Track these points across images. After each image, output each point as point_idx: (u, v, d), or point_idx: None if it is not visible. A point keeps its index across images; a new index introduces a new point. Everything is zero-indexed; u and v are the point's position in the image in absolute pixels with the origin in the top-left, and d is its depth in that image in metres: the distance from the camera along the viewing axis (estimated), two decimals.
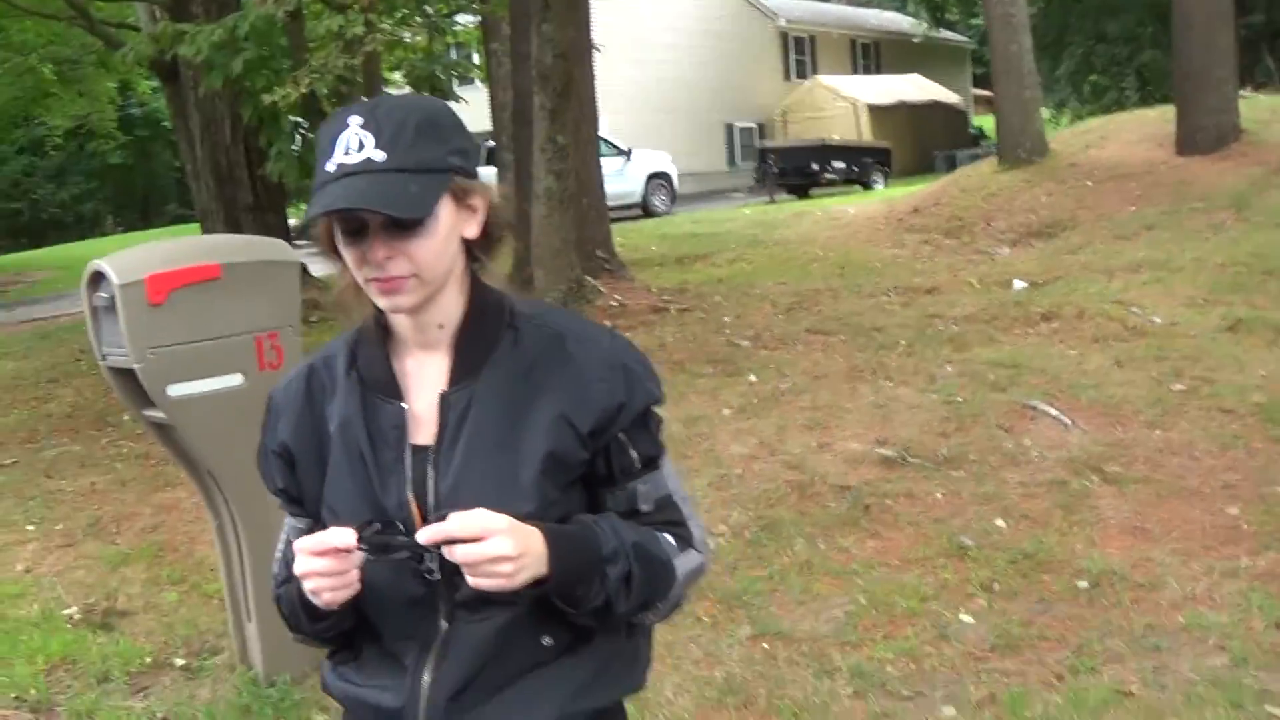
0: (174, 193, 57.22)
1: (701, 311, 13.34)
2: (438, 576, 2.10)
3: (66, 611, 6.84)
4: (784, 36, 49.83)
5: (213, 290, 5.27)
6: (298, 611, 2.26)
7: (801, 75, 49.18)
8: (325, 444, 2.26)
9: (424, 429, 2.19)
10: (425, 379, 2.23)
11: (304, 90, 13.14)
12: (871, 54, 53.72)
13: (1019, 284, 13.41)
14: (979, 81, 53.81)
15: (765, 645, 5.60)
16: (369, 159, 2.06)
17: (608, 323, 12.54)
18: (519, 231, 15.19)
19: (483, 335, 2.22)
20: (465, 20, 21.45)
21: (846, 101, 44.38)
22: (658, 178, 33.27)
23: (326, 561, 2.04)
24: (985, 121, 44.85)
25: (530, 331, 2.23)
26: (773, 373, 10.24)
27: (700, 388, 10.02)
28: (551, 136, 13.06)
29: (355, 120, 2.10)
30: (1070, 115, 42.27)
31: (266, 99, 13.28)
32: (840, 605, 5.93)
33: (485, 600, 2.07)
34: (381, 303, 2.14)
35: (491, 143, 19.43)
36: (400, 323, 2.23)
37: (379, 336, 2.26)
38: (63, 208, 56.47)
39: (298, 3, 13.67)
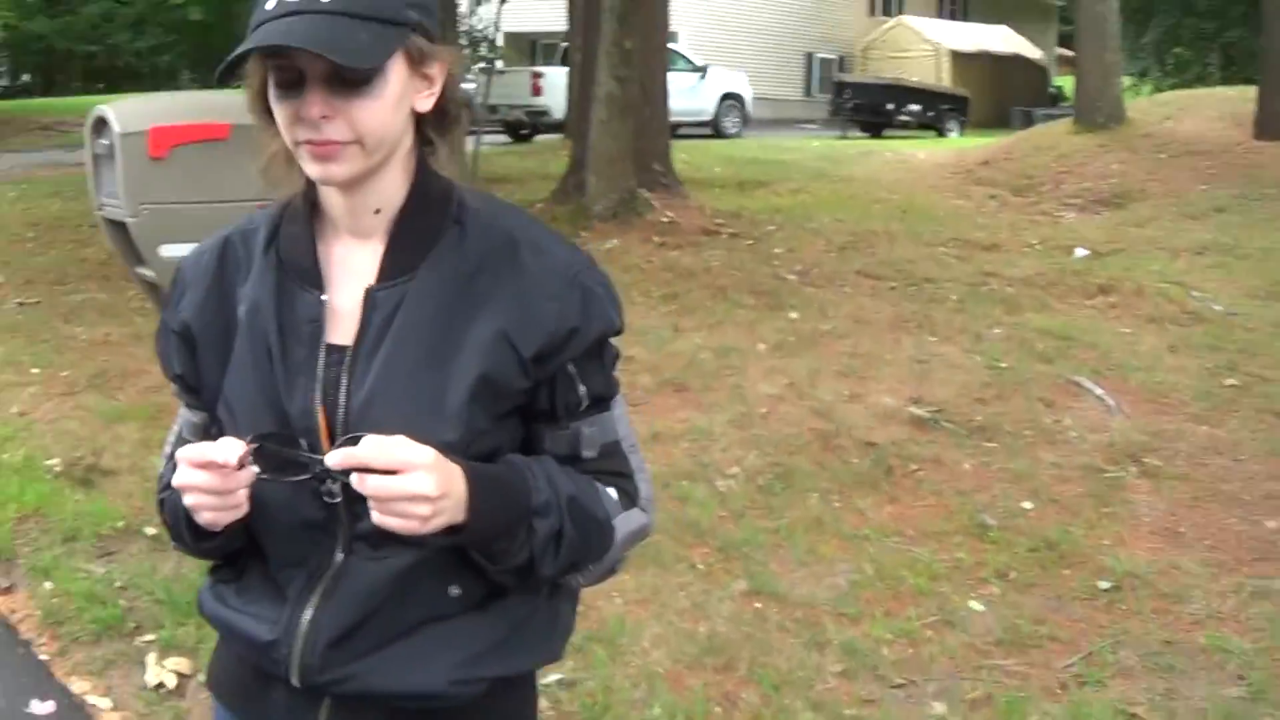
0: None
1: (753, 239, 12.93)
2: (339, 499, 1.79)
3: (49, 462, 6.66)
4: None
5: (219, 151, 4.95)
6: (180, 525, 1.91)
7: (887, 13, 47.97)
8: (231, 329, 1.93)
9: (344, 327, 1.87)
10: (353, 270, 1.90)
11: None
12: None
13: (1081, 251, 12.90)
14: (1064, 40, 52.46)
15: (758, 605, 5.21)
16: None
17: (656, 239, 12.29)
18: (577, 135, 15.05)
19: (424, 227, 1.90)
20: None
21: (930, 44, 43.19)
22: (731, 99, 32.46)
23: (209, 476, 1.70)
24: (1065, 82, 43.75)
25: (479, 230, 1.91)
26: (815, 312, 9.84)
27: (739, 319, 9.67)
28: (618, 41, 12.73)
29: None
30: (1151, 86, 41.31)
31: None
32: (844, 572, 5.53)
33: (390, 536, 1.70)
34: (313, 170, 1.81)
35: (565, 43, 19.05)
36: (333, 201, 1.91)
37: (307, 215, 1.94)
38: (139, 57, 55.92)
39: None
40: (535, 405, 1.90)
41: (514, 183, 18.17)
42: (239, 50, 1.73)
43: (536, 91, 28.00)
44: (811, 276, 11.17)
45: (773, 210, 15.28)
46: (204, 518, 1.77)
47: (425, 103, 1.87)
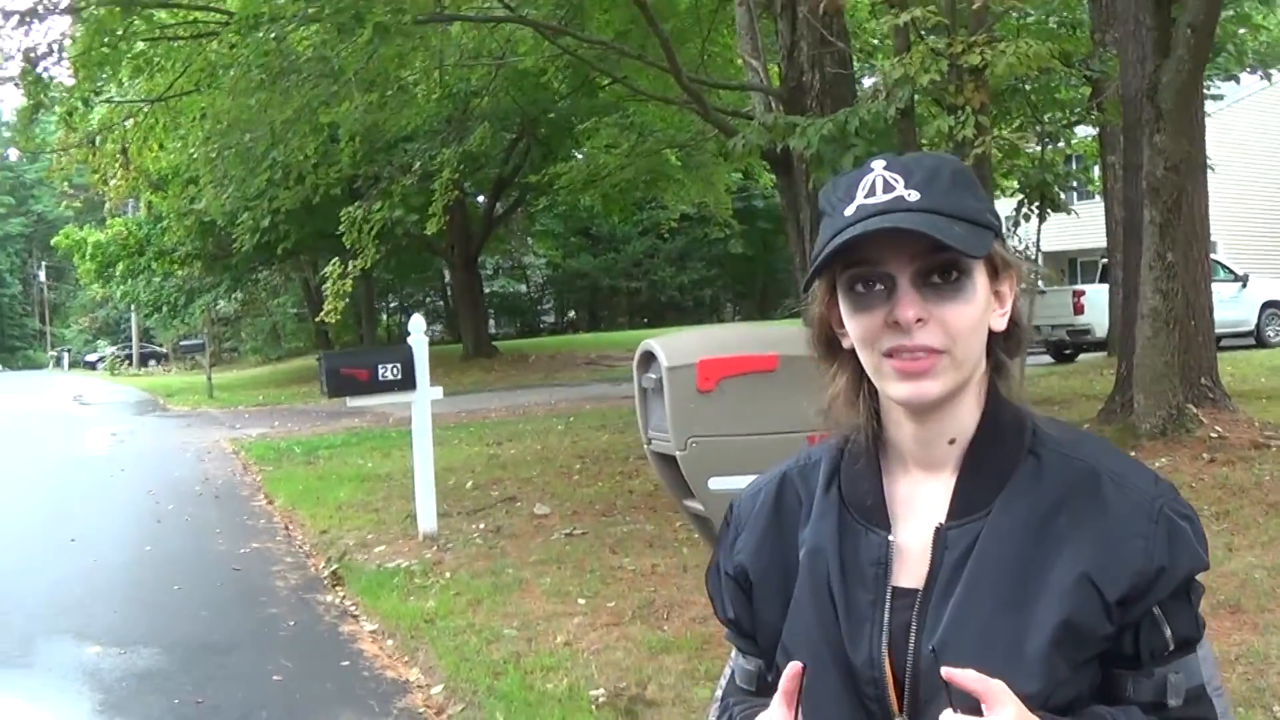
0: (792, 286, 58.69)
1: None
2: None
3: (594, 692, 6.59)
4: None
5: (766, 382, 4.87)
6: None
7: None
8: (791, 573, 1.80)
9: (911, 568, 1.71)
10: (919, 506, 1.74)
11: None
12: None
13: None
14: None
15: None
16: (900, 197, 1.63)
17: (1205, 456, 11.58)
18: (1123, 352, 14.51)
19: (998, 459, 1.71)
20: (1083, 132, 20.53)
21: None
22: (1272, 307, 30.72)
23: None
24: None
25: (1056, 462, 1.70)
26: None
27: None
28: (1160, 253, 12.23)
29: (879, 164, 1.68)
30: None
31: None
32: None
33: None
34: (899, 390, 1.66)
35: (1104, 260, 18.56)
36: (903, 433, 1.75)
37: (872, 450, 1.78)
38: (681, 291, 58.42)
39: (910, 101, 13.22)
40: (1118, 650, 1.67)
41: (1058, 403, 17.79)
42: (831, 248, 1.63)
43: (1079, 310, 27.16)
44: None
45: None
46: None
47: (999, 321, 1.73)
